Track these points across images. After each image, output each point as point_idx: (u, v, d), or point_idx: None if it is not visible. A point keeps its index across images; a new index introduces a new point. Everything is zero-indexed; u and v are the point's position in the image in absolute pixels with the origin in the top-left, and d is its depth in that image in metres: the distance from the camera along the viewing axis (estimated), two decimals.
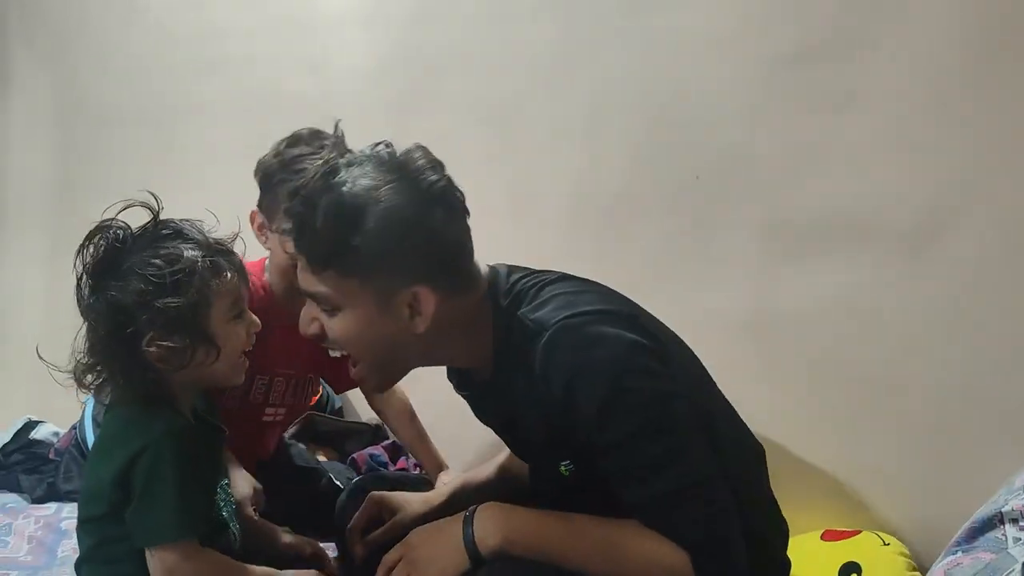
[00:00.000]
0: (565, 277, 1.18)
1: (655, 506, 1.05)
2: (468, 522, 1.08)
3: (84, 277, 1.11)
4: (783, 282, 1.69)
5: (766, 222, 1.71)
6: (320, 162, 1.14)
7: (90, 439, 1.93)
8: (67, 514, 1.77)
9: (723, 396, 1.21)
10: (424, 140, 1.72)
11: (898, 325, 1.58)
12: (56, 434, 2.13)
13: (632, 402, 1.03)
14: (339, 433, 2.06)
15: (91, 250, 1.11)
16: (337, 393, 1.97)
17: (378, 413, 1.78)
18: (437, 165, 1.09)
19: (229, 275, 1.14)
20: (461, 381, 1.25)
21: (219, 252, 1.14)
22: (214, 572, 1.11)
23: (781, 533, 1.22)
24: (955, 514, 1.34)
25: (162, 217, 1.16)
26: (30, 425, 2.18)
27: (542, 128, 1.95)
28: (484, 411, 1.28)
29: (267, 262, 1.52)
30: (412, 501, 1.32)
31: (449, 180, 1.09)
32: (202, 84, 2.41)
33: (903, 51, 1.57)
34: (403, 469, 1.95)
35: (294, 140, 1.46)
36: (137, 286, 1.07)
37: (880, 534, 1.46)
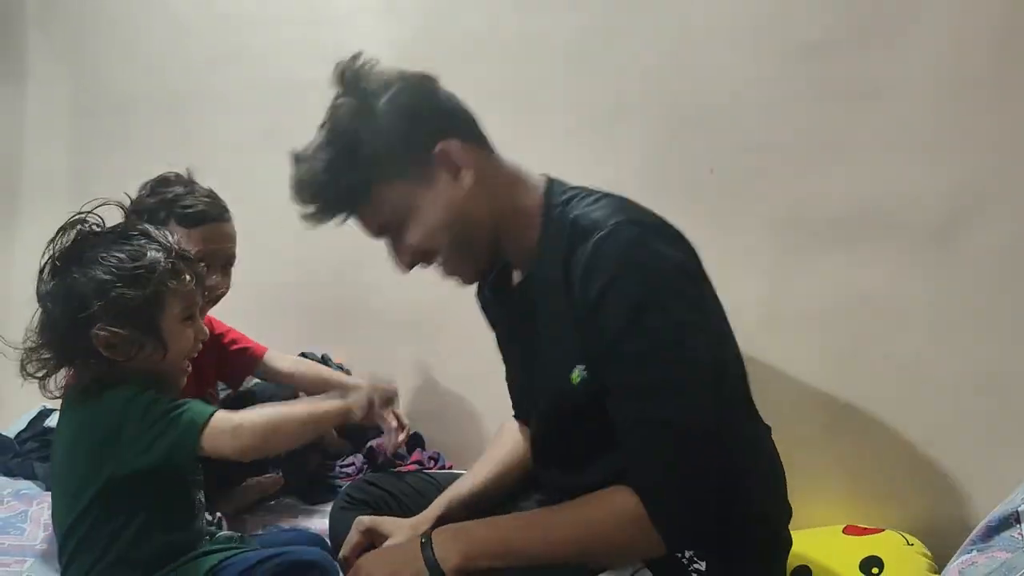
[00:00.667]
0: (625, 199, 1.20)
1: (638, 430, 1.04)
2: (427, 546, 1.09)
3: (48, 264, 1.16)
4: (802, 277, 1.67)
5: (784, 216, 1.69)
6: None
7: None
8: None
9: (742, 362, 1.20)
10: None
11: (921, 320, 1.56)
12: None
13: (659, 319, 1.03)
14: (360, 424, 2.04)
15: (62, 241, 1.16)
16: (243, 376, 1.95)
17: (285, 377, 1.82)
18: (367, 59, 1.16)
19: (187, 278, 1.19)
20: (496, 280, 1.28)
21: (181, 258, 1.19)
22: (260, 415, 1.16)
23: (783, 510, 1.21)
24: (975, 513, 1.32)
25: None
26: (44, 413, 2.19)
27: (559, 119, 1.93)
28: (509, 316, 1.29)
29: None
30: (403, 527, 1.28)
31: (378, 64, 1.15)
32: (218, 75, 2.41)
33: (927, 41, 1.54)
34: (418, 461, 1.95)
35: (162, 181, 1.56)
36: (98, 274, 1.12)
37: (904, 534, 1.44)
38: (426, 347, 2.17)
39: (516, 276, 1.25)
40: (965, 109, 1.52)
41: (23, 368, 1.17)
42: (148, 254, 1.15)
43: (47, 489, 1.85)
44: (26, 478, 1.91)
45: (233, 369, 1.78)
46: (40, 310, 1.16)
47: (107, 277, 1.11)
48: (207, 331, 1.27)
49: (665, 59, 1.81)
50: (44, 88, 2.72)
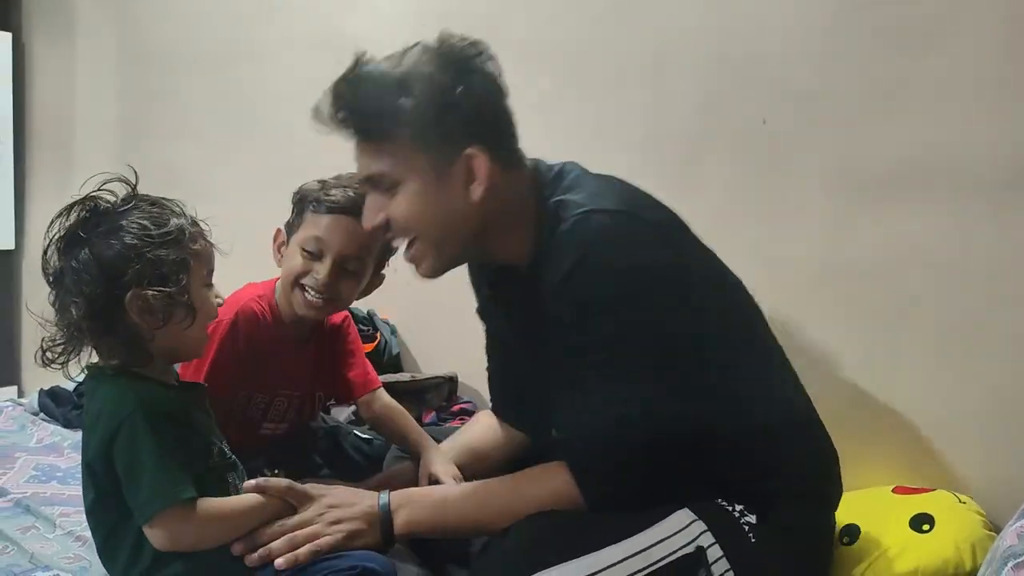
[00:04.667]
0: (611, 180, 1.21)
1: (565, 415, 1.13)
2: (385, 505, 1.17)
3: (64, 239, 1.12)
4: (857, 230, 1.61)
5: (838, 168, 1.63)
6: None
7: None
8: None
9: (754, 321, 1.24)
10: None
11: (980, 276, 1.50)
12: None
13: (601, 320, 1.07)
14: (418, 390, 2.06)
15: (70, 219, 1.13)
16: (342, 403, 1.92)
17: (371, 420, 1.69)
18: (476, 42, 1.14)
19: (205, 244, 1.19)
20: (497, 278, 1.28)
21: (195, 224, 1.19)
22: (214, 520, 1.11)
23: (827, 459, 1.23)
24: None
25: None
26: None
27: (606, 72, 1.89)
28: (509, 315, 1.30)
29: (277, 285, 1.50)
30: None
31: (488, 55, 1.14)
32: (260, 27, 2.41)
33: None
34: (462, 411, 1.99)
35: (338, 178, 1.45)
36: (126, 240, 1.10)
37: (956, 493, 1.41)
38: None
39: (516, 272, 1.23)
40: None
41: (43, 353, 1.13)
42: (171, 220, 1.15)
43: None
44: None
45: (343, 381, 1.65)
46: (57, 291, 1.13)
47: (137, 242, 1.10)
48: (222, 298, 1.27)
49: (714, 7, 1.75)
50: (92, 43, 2.75)
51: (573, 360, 1.11)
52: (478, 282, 1.39)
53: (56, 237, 1.12)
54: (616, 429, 1.09)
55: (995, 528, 1.33)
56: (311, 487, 1.19)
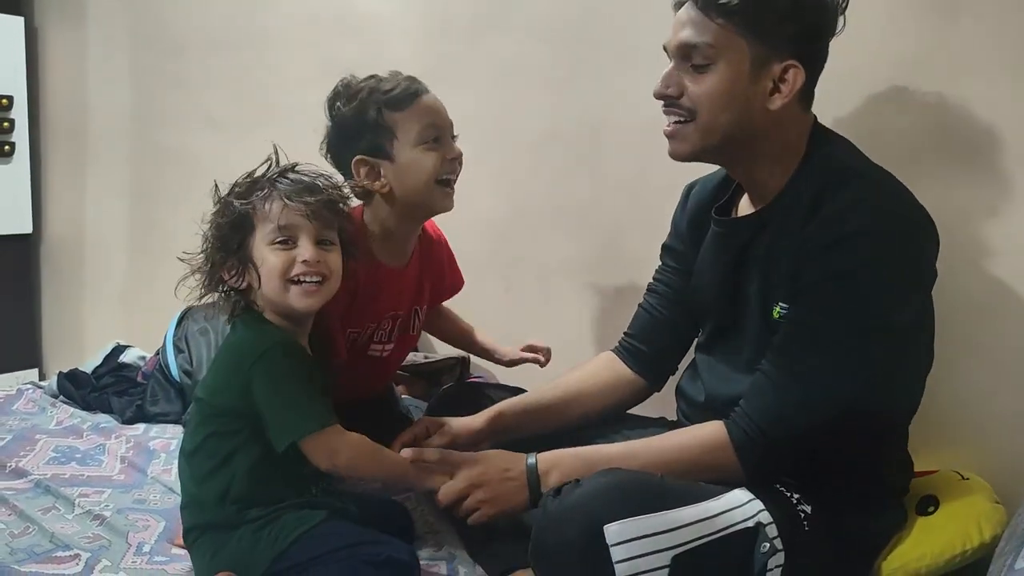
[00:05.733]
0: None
1: (782, 373, 1.14)
2: (533, 474, 1.21)
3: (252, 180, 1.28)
4: None
5: (856, 144, 1.61)
6: None
7: (172, 364, 1.99)
8: (155, 434, 1.86)
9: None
10: (495, 62, 1.70)
11: (997, 252, 1.48)
12: (143, 358, 2.21)
13: (873, 286, 1.10)
14: (432, 371, 2.08)
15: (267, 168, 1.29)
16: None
17: (432, 331, 1.82)
18: None
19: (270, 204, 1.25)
20: (720, 208, 1.33)
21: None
22: (364, 446, 1.23)
23: (902, 464, 1.31)
24: None
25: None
26: (119, 349, 2.27)
27: (615, 49, 1.87)
28: (718, 250, 1.31)
29: (365, 213, 1.49)
30: (454, 423, 1.41)
31: None
32: (272, 11, 2.39)
33: None
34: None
35: (346, 86, 1.46)
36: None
37: (958, 471, 1.41)
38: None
39: (745, 205, 1.30)
40: None
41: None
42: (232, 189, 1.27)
43: (123, 422, 1.93)
44: (103, 412, 1.99)
45: (448, 288, 1.72)
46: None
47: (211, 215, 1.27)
48: None
49: None
50: (103, 26, 2.75)
51: (823, 319, 1.12)
52: (695, 212, 1.41)
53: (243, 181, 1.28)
54: (807, 422, 1.13)
55: (1002, 500, 1.33)
56: (461, 456, 1.26)
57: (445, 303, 1.76)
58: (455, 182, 1.46)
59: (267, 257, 1.20)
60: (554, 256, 2.02)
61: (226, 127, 2.49)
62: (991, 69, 1.47)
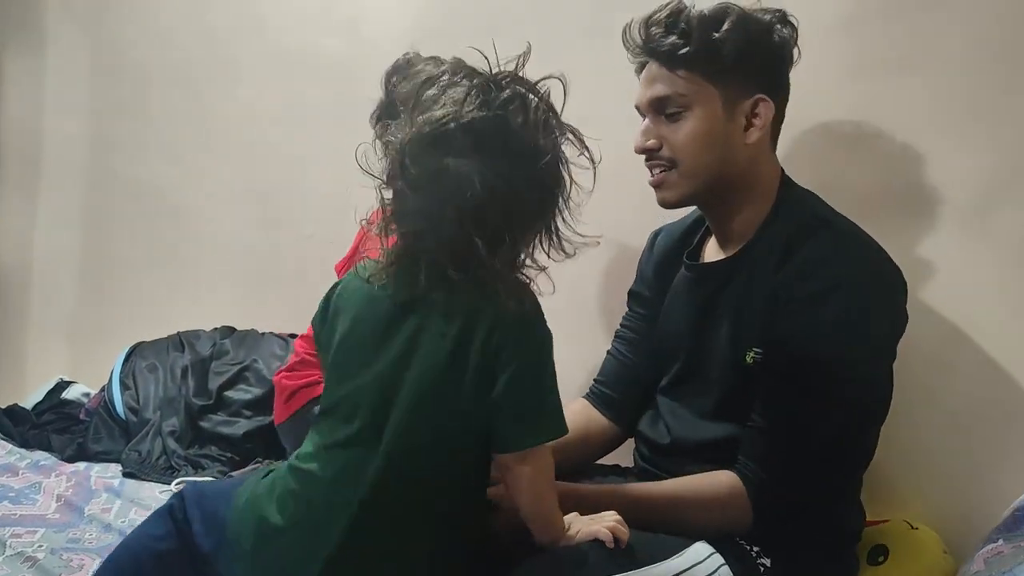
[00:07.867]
0: None
1: (779, 426, 1.14)
2: None
3: None
4: None
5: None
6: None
7: (117, 401, 1.95)
8: (96, 473, 1.80)
9: None
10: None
11: (948, 303, 1.50)
12: (87, 395, 2.15)
13: (858, 341, 1.12)
14: None
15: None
16: None
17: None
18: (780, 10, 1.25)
19: None
20: (691, 253, 1.35)
21: None
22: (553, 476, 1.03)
23: (856, 515, 1.29)
24: (995, 503, 1.29)
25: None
26: (61, 385, 2.21)
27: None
28: (688, 295, 1.32)
29: None
30: None
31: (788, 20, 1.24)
32: (236, 45, 2.39)
33: (960, 12, 1.48)
34: None
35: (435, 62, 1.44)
36: None
37: (908, 521, 1.42)
38: None
39: (712, 250, 1.32)
40: (1001, 85, 1.46)
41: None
42: None
43: (63, 459, 1.86)
44: (42, 449, 1.93)
45: None
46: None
47: None
48: None
49: None
50: (62, 57, 2.72)
51: (812, 371, 1.12)
52: (661, 258, 1.42)
53: None
54: (817, 470, 1.14)
55: (951, 551, 1.34)
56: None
57: None
58: None
59: None
60: None
61: (184, 159, 2.47)
62: (938, 124, 1.52)
